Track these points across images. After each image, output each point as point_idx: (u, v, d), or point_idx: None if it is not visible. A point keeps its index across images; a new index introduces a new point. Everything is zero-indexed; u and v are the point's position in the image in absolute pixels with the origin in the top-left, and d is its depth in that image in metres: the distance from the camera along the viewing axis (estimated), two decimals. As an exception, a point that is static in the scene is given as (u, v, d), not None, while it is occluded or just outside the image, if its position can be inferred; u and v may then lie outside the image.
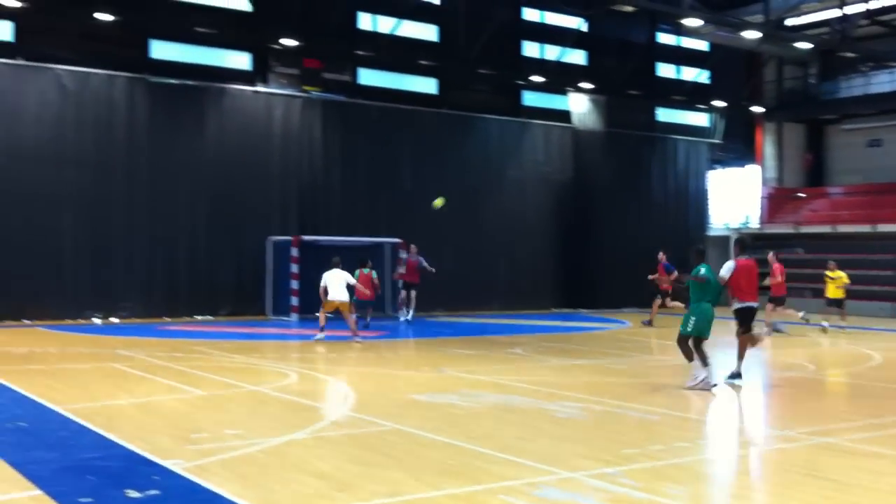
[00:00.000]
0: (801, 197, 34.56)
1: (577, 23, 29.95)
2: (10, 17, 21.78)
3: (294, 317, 23.43)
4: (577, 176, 30.50)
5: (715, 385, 12.31)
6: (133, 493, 6.65)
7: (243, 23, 24.85)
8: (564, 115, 30.53)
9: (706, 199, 34.12)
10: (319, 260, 24.84)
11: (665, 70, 33.42)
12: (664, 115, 33.22)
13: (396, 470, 7.57)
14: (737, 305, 13.55)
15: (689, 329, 12.55)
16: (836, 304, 22.69)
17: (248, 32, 24.81)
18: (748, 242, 13.90)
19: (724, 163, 36.01)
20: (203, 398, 11.26)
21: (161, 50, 24.00)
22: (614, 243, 30.24)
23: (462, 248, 28.02)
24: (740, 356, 13.30)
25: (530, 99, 30.44)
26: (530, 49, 30.20)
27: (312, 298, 24.63)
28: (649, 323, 23.41)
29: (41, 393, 11.09)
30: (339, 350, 17.04)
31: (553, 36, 30.21)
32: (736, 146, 35.60)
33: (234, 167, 24.22)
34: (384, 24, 26.82)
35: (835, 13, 28.37)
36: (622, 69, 30.75)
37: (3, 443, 8.26)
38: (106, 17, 22.18)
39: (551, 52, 30.00)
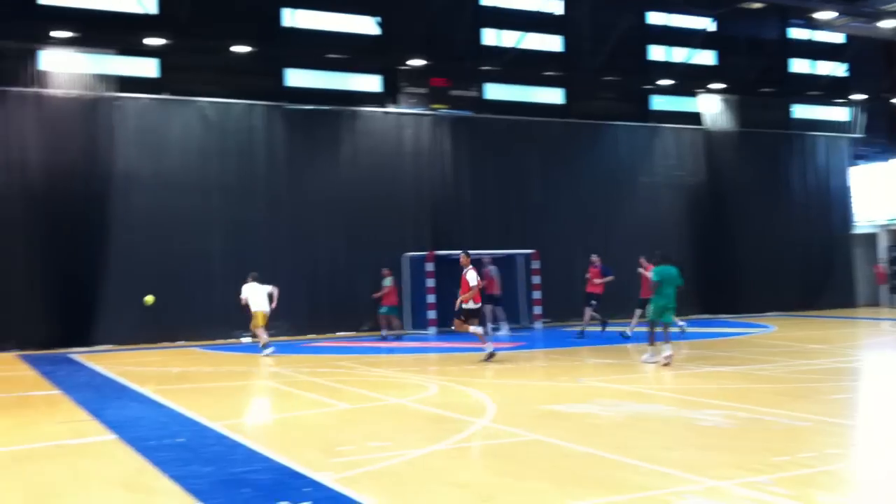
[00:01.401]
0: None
1: (704, 23, 29.36)
2: (155, 54, 23.05)
3: (432, 330, 23.76)
4: (711, 178, 29.84)
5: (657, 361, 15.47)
6: (286, 505, 6.92)
7: (372, 47, 25.50)
8: (695, 118, 29.94)
9: (849, 196, 32.77)
10: (454, 274, 25.14)
11: (799, 65, 32.34)
12: (800, 111, 32.13)
13: (538, 480, 7.58)
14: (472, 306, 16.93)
15: (650, 315, 16.18)
16: None
17: (376, 56, 25.44)
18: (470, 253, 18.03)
19: (868, 158, 34.49)
20: (348, 411, 11.57)
21: (296, 78, 24.88)
22: (754, 245, 29.44)
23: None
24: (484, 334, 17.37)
25: (659, 103, 29.99)
26: (657, 52, 29.80)
27: (448, 312, 25.00)
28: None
29: (197, 410, 11.63)
30: (474, 362, 17.20)
31: (680, 38, 29.71)
32: (879, 140, 34.06)
33: (368, 187, 24.83)
34: (508, 39, 26.97)
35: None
36: (753, 67, 29.93)
37: (164, 458, 8.71)
38: (243, 49, 23.17)
39: (679, 55, 29.50)
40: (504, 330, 23.38)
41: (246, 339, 22.21)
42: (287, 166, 24.08)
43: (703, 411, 10.86)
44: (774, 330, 23.68)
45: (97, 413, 11.63)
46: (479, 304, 17.10)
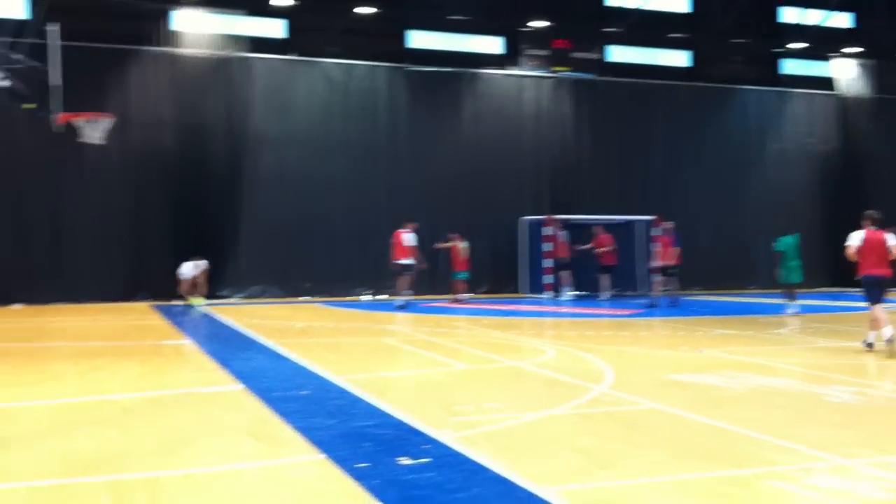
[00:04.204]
0: None
1: (843, -17, 28.06)
2: (282, 15, 23.49)
3: (547, 294, 23.70)
4: (845, 146, 28.68)
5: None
6: (405, 461, 6.98)
7: (495, 8, 25.32)
8: (828, 83, 28.74)
9: None
10: (571, 238, 25.00)
11: (945, 28, 30.55)
12: (945, 76, 30.40)
13: (658, 450, 7.48)
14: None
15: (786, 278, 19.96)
16: None
17: (499, 17, 25.26)
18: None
19: None
20: (465, 372, 11.66)
21: (418, 39, 24.98)
22: (890, 215, 28.18)
23: (721, 224, 27.20)
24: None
25: (790, 67, 28.89)
26: (789, 14, 28.63)
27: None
28: None
29: (320, 364, 11.92)
30: (595, 328, 17.08)
31: (815, -1, 28.50)
32: None
33: (487, 149, 24.84)
34: (633, 0, 26.37)
35: None
36: (893, 29, 28.45)
37: (289, 409, 8.96)
38: (367, 10, 23.38)
39: (813, 17, 28.27)
40: (566, 294, 23.25)
41: (366, 297, 22.64)
42: (408, 127, 24.29)
43: (832, 387, 10.51)
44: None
45: (225, 363, 12.05)
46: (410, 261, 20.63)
